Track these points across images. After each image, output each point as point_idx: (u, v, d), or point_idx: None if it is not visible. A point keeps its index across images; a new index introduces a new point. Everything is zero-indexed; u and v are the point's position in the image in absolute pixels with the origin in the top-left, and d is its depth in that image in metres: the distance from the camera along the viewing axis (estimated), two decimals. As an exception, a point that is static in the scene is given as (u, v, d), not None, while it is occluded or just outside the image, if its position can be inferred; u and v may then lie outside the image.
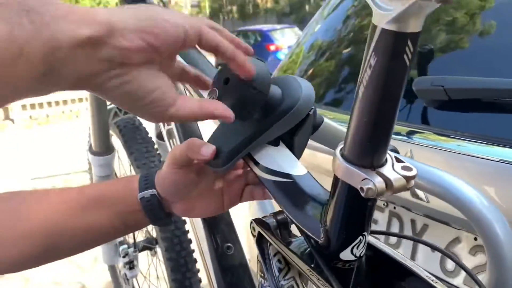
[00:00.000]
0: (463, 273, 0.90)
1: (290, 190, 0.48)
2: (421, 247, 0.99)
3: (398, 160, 0.41)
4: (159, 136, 1.15)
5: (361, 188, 0.38)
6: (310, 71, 1.47)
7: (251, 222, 0.55)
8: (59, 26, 0.33)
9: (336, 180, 0.42)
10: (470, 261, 0.87)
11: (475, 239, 0.87)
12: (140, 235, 1.31)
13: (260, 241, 0.54)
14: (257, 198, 0.57)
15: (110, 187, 0.57)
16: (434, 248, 0.48)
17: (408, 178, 0.39)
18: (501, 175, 0.82)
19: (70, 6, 0.35)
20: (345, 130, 0.59)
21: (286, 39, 10.15)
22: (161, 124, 0.77)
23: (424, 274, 0.45)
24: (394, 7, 0.32)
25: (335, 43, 1.44)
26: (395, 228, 1.05)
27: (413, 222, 1.00)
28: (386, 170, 0.39)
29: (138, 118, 1.16)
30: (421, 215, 0.97)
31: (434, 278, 0.45)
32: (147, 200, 0.54)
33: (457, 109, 0.86)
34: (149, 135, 1.14)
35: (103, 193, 0.55)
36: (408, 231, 1.01)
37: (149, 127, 1.17)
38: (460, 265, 0.45)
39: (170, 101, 0.41)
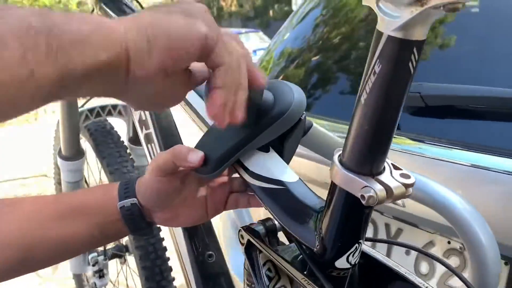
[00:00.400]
0: (436, 276, 0.91)
1: (282, 197, 0.47)
2: (395, 249, 1.00)
3: (396, 168, 0.41)
4: (132, 140, 1.12)
5: (362, 196, 0.38)
6: (280, 77, 1.48)
7: (240, 230, 0.54)
8: (78, 51, 0.31)
9: (333, 187, 0.41)
10: (444, 264, 0.89)
11: (449, 242, 0.89)
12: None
13: (249, 249, 0.53)
14: (242, 206, 0.56)
15: (88, 196, 0.54)
16: (435, 259, 0.48)
17: (407, 186, 0.39)
18: (473, 179, 0.84)
19: (95, 23, 0.32)
20: (332, 135, 0.59)
21: (250, 43, 10.19)
22: (138, 128, 0.74)
23: (417, 281, 0.46)
24: (402, 14, 0.32)
25: (304, 51, 1.46)
26: (369, 232, 1.06)
27: (387, 226, 1.01)
28: (385, 177, 0.39)
29: (109, 121, 1.13)
30: (395, 219, 0.99)
31: (426, 284, 0.45)
32: (127, 209, 0.52)
33: (432, 115, 0.88)
34: (121, 139, 1.10)
35: (81, 202, 0.53)
36: (382, 235, 1.02)
37: (121, 131, 1.14)
38: (460, 277, 0.45)
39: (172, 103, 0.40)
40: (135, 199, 0.52)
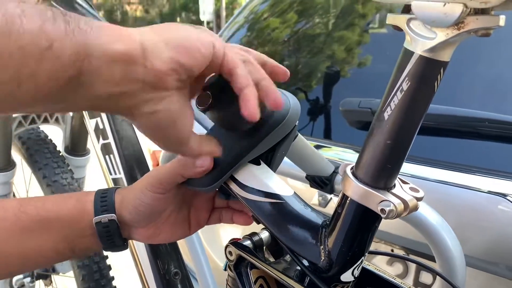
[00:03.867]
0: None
1: (281, 212, 0.47)
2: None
3: (404, 182, 0.42)
4: (68, 149, 1.03)
5: (382, 209, 0.38)
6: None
7: (227, 246, 0.52)
8: (93, 36, 0.32)
9: (345, 200, 0.41)
10: (388, 271, 0.94)
11: (392, 250, 0.94)
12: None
13: (239, 265, 0.51)
14: (225, 221, 0.55)
15: (58, 206, 0.48)
16: (427, 268, 0.50)
17: (417, 199, 0.41)
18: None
19: (102, 22, 0.34)
20: (314, 148, 0.60)
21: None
22: (94, 138, 0.68)
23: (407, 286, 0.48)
24: (437, 36, 0.34)
25: None
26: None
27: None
28: (398, 191, 0.40)
29: (43, 129, 1.02)
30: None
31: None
32: (104, 225, 0.48)
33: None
34: (58, 149, 1.00)
35: (50, 213, 0.47)
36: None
37: (57, 139, 1.04)
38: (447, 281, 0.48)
39: (185, 136, 0.40)
40: (114, 215, 0.48)
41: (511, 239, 0.76)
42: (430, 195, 0.87)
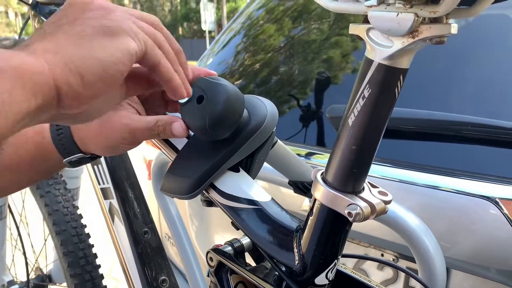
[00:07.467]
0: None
1: (258, 217, 0.48)
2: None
3: (373, 186, 0.43)
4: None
5: (349, 213, 0.39)
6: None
7: (208, 252, 0.53)
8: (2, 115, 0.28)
9: (316, 205, 0.42)
10: (378, 276, 0.94)
11: (382, 255, 0.94)
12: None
13: (219, 271, 0.52)
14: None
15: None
16: (405, 272, 0.51)
17: (386, 202, 0.42)
18: (401, 193, 0.91)
19: (12, 73, 0.29)
20: (294, 154, 0.61)
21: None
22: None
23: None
24: (394, 44, 0.35)
25: (227, 75, 1.50)
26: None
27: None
28: (367, 195, 0.41)
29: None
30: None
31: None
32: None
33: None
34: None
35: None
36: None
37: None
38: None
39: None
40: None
41: (500, 242, 0.77)
42: (419, 199, 0.89)
